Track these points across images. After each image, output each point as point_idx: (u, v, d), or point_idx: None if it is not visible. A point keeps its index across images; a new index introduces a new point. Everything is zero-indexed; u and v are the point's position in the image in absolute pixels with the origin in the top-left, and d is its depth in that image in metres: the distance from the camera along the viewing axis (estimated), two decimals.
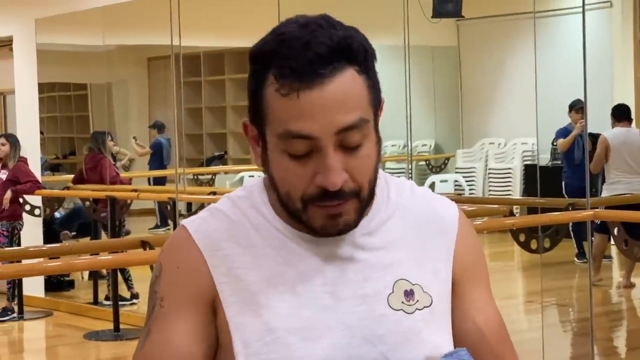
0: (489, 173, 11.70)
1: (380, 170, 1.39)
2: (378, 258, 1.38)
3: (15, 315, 8.61)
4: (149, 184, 10.86)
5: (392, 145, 11.48)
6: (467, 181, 11.64)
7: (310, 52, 1.27)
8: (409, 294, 1.37)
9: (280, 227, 1.37)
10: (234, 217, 1.39)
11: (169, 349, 1.35)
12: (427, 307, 1.38)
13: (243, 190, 1.43)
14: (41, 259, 4.60)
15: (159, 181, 10.66)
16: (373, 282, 1.36)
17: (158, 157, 10.97)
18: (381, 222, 1.39)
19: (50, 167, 11.22)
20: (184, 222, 1.42)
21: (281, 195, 1.34)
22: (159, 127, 11.07)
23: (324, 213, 1.31)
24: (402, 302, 1.37)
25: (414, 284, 1.38)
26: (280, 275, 1.35)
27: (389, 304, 1.36)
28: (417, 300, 1.37)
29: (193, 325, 1.35)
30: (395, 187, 1.43)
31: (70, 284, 9.56)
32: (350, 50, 1.29)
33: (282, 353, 1.33)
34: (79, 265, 4.53)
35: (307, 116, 1.27)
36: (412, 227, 1.41)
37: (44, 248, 6.47)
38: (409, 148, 8.12)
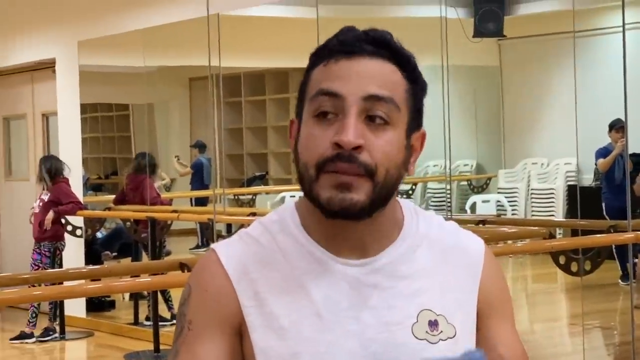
0: (532, 193, 11.62)
1: (411, 202, 1.43)
2: (404, 287, 1.39)
3: (57, 335, 8.68)
4: (192, 203, 10.90)
5: (434, 166, 11.45)
6: (509, 201, 11.57)
7: (359, 33, 1.36)
8: (433, 324, 1.38)
9: (310, 250, 1.38)
10: (263, 241, 1.40)
11: None
12: (451, 338, 1.38)
13: (275, 214, 1.44)
14: (82, 281, 4.62)
15: (201, 201, 10.70)
16: (397, 310, 1.37)
17: (199, 177, 11.01)
18: (408, 251, 1.41)
19: (92, 187, 11.32)
20: (213, 245, 1.43)
21: (300, 170, 1.36)
22: (200, 146, 11.12)
23: (333, 181, 1.32)
24: (427, 332, 1.37)
25: (438, 315, 1.39)
26: (305, 299, 1.36)
27: (413, 333, 1.37)
28: (441, 331, 1.38)
29: (220, 348, 1.36)
30: (424, 219, 1.45)
31: (111, 305, 9.62)
32: (396, 50, 1.38)
33: None
34: (119, 287, 4.56)
35: (340, 78, 1.34)
36: (439, 258, 1.42)
37: (84, 270, 6.52)
38: (448, 168, 8.09)
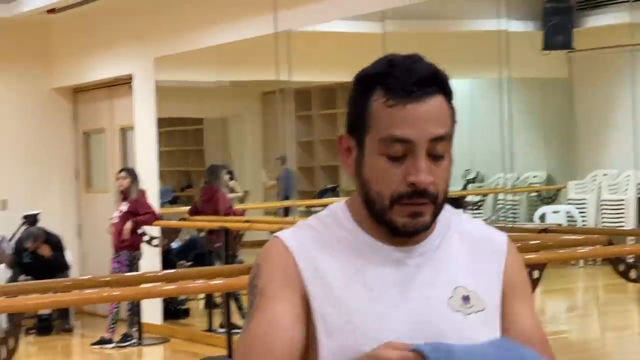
0: (602, 204, 11.61)
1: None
2: (441, 268, 1.64)
3: (135, 340, 8.97)
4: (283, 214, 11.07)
5: (504, 178, 11.52)
6: (579, 212, 11.57)
7: (415, 74, 1.57)
8: (466, 299, 1.62)
9: (361, 238, 1.63)
10: (319, 229, 1.66)
11: (273, 327, 1.57)
12: (481, 311, 1.63)
13: (327, 211, 1.70)
14: (158, 283, 4.87)
15: (287, 212, 10.89)
16: (436, 287, 1.61)
17: (284, 189, 11.22)
18: (443, 241, 1.66)
19: (168, 202, 11.62)
20: (276, 234, 1.68)
21: (371, 195, 1.60)
22: (283, 159, 11.33)
23: (407, 211, 1.58)
24: (460, 305, 1.61)
25: (470, 291, 1.63)
26: (358, 275, 1.60)
27: (449, 306, 1.61)
28: (473, 305, 1.62)
29: (289, 310, 1.58)
30: (455, 215, 1.71)
31: (186, 313, 9.90)
32: (442, 81, 1.60)
33: (357, 341, 1.54)
34: (192, 289, 4.80)
35: (409, 124, 1.56)
36: (469, 246, 1.68)
37: (160, 274, 6.79)
38: (504, 178, 8.18)
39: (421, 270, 1.62)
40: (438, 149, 1.58)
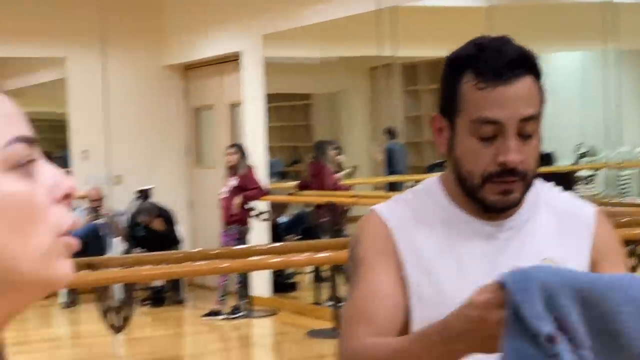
0: None
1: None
2: (529, 241, 1.71)
3: (244, 313, 9.17)
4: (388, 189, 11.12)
5: (617, 152, 11.32)
6: None
7: (504, 57, 1.63)
8: None
9: (453, 212, 1.71)
10: (413, 203, 1.74)
11: (375, 294, 1.66)
12: None
13: (422, 185, 1.79)
14: (265, 256, 4.99)
15: (395, 187, 10.94)
16: (525, 258, 1.66)
17: (390, 164, 11.26)
18: (532, 215, 1.73)
19: (276, 174, 11.77)
20: (372, 207, 1.77)
21: (463, 173, 1.67)
22: (390, 133, 11.36)
23: (498, 189, 1.65)
24: None
25: (558, 262, 1.68)
26: (450, 247, 1.69)
27: None
28: None
29: (388, 277, 1.68)
30: (545, 189, 1.78)
31: (294, 287, 10.06)
32: (531, 62, 1.65)
33: (447, 310, 1.60)
34: (299, 261, 4.90)
35: (498, 106, 1.62)
36: (557, 218, 1.75)
37: (268, 246, 6.93)
38: (622, 153, 8.05)
39: (510, 243, 1.69)
40: (527, 128, 1.63)
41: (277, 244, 7.24)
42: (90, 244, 9.58)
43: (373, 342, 1.61)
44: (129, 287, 9.48)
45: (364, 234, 1.73)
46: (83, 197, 10.33)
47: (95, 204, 10.10)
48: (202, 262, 4.63)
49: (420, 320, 1.64)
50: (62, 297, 10.06)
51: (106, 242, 9.90)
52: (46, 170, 0.96)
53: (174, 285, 10.01)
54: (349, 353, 1.64)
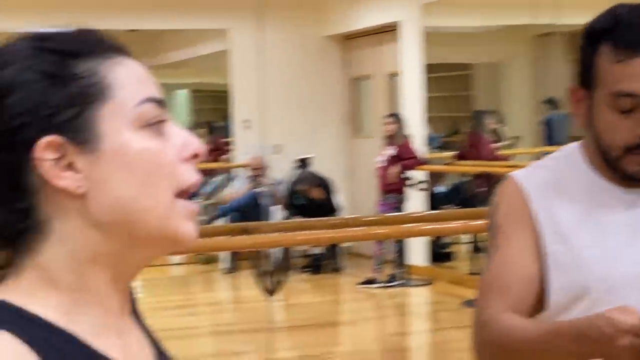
0: None
1: None
2: None
3: (400, 281, 9.22)
4: None
5: None
6: None
7: None
8: None
9: (593, 179, 1.69)
10: (553, 170, 1.73)
11: (511, 264, 1.67)
12: None
13: (561, 152, 1.77)
14: (418, 223, 5.00)
15: None
16: None
17: (549, 134, 11.09)
18: None
19: (435, 144, 11.74)
20: (510, 173, 1.76)
21: (602, 145, 1.65)
22: (551, 103, 11.17)
23: (638, 160, 1.62)
24: None
25: None
26: (588, 214, 1.66)
27: None
28: None
29: (527, 246, 1.67)
30: None
31: (449, 257, 10.05)
32: None
33: (585, 277, 1.60)
34: (452, 229, 4.90)
35: (637, 78, 1.59)
36: None
37: (421, 214, 6.95)
38: None
39: None
40: None
41: (431, 212, 7.25)
42: (250, 212, 9.81)
43: (508, 322, 1.61)
44: (286, 253, 9.68)
45: (501, 200, 1.72)
46: (244, 166, 10.58)
47: (257, 173, 10.32)
48: (356, 229, 4.68)
49: (558, 288, 1.64)
50: (224, 263, 10.35)
51: (266, 211, 10.11)
52: (176, 131, 1.02)
53: (332, 253, 10.15)
54: (482, 323, 1.65)
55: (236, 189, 10.50)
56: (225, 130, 12.06)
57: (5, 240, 0.99)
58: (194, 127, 14.97)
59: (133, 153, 0.97)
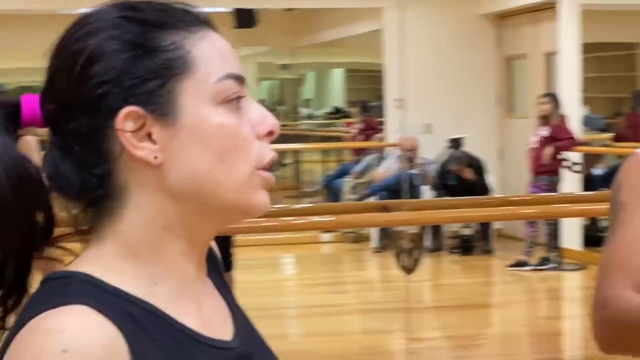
0: None
1: None
2: None
3: (553, 265, 9.03)
4: None
5: None
6: None
7: None
8: None
9: None
10: None
11: (635, 242, 1.61)
12: None
13: None
14: (568, 204, 4.88)
15: None
16: None
17: None
18: None
19: (598, 130, 11.44)
20: (637, 150, 1.70)
21: None
22: None
23: None
24: None
25: None
26: None
27: None
28: None
29: None
30: None
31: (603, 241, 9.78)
32: None
33: None
34: (602, 211, 4.76)
35: None
36: None
37: (571, 195, 6.78)
38: None
39: None
40: None
41: (584, 193, 7.06)
42: (401, 192, 9.80)
43: (629, 301, 1.55)
44: (436, 233, 9.61)
45: (626, 177, 1.66)
46: (396, 146, 10.56)
47: (409, 153, 10.28)
48: (502, 208, 4.61)
49: None
50: (374, 242, 10.38)
51: (416, 191, 10.07)
52: (253, 108, 1.03)
53: (483, 234, 10.03)
54: (602, 302, 1.59)
55: (387, 169, 10.49)
56: (378, 110, 12.06)
57: (88, 205, 1.02)
58: (348, 106, 15.07)
59: (210, 128, 0.99)
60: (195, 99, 0.99)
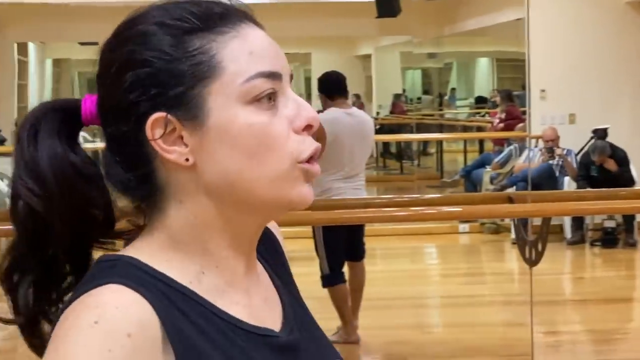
0: None
1: None
2: None
3: None
4: None
5: None
6: None
7: None
8: None
9: None
10: None
11: None
12: None
13: None
14: None
15: None
16: None
17: None
18: None
19: None
20: None
21: None
22: None
23: None
24: None
25: None
26: None
27: None
28: None
29: None
30: None
31: None
32: None
33: None
34: None
35: None
36: None
37: None
38: None
39: None
40: None
41: None
42: (544, 183, 9.66)
43: None
44: (578, 225, 9.44)
45: None
46: (538, 137, 10.41)
47: (551, 144, 10.13)
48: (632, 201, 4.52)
49: None
50: (513, 234, 10.26)
51: (558, 182, 9.92)
52: (289, 102, 1.05)
53: (627, 227, 9.80)
54: None
55: (529, 159, 10.36)
56: (522, 100, 11.91)
57: (139, 201, 1.08)
58: (493, 94, 14.90)
59: (238, 128, 1.02)
60: (222, 100, 1.02)
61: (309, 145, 1.05)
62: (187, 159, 1.03)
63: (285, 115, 1.04)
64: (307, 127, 1.05)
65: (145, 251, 1.06)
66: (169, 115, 1.02)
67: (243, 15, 1.06)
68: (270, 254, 1.19)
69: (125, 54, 1.04)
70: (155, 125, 1.03)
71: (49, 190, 1.04)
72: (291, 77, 1.08)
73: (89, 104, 1.08)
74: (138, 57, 1.03)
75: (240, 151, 1.02)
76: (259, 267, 1.15)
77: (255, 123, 1.03)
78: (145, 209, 1.08)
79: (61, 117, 1.08)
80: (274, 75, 1.04)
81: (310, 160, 1.05)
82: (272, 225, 1.24)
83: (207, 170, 1.04)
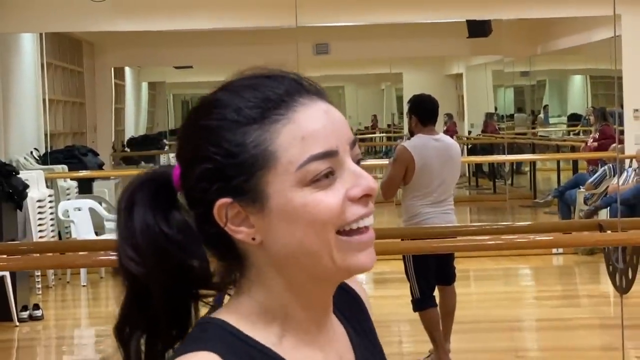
0: None
1: None
2: None
3: None
4: None
5: None
6: None
7: None
8: None
9: None
10: None
11: None
12: None
13: None
14: None
15: None
16: None
17: None
18: None
19: None
20: None
21: None
22: None
23: None
24: None
25: None
26: None
27: None
28: None
29: None
30: None
31: None
32: None
33: None
34: None
35: None
36: None
37: None
38: None
39: None
40: None
41: None
42: (637, 205, 9.50)
43: None
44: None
45: None
46: (632, 157, 10.25)
47: None
48: None
49: None
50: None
51: None
52: (347, 175, 1.11)
53: None
54: None
55: (623, 181, 10.21)
56: (615, 119, 11.74)
57: (228, 265, 1.17)
58: (588, 112, 14.71)
59: (293, 208, 1.09)
60: (279, 186, 1.09)
61: (357, 211, 1.11)
62: (253, 238, 1.12)
63: (342, 188, 1.10)
64: (365, 197, 1.11)
65: (233, 314, 1.15)
66: (233, 201, 1.12)
67: (302, 89, 1.13)
68: (353, 313, 1.26)
69: (192, 150, 1.13)
70: (222, 209, 1.12)
71: (144, 258, 1.14)
72: (354, 142, 1.13)
73: (177, 173, 1.17)
74: (203, 154, 1.12)
75: (298, 227, 1.10)
76: (338, 326, 1.23)
77: (309, 203, 1.09)
78: (234, 271, 1.17)
79: (155, 187, 1.17)
80: (328, 154, 1.10)
81: (356, 228, 1.11)
82: (356, 284, 1.31)
83: (273, 246, 1.12)
